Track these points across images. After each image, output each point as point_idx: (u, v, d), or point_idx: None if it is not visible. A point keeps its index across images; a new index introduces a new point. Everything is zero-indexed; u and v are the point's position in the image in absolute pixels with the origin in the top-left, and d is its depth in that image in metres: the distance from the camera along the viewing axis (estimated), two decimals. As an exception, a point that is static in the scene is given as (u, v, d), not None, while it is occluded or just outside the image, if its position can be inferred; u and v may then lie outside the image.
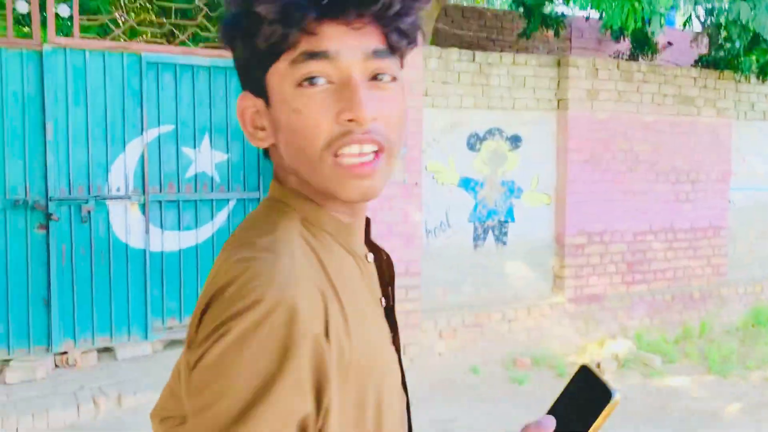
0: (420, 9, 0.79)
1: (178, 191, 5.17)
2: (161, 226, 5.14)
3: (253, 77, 0.81)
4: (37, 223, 4.73)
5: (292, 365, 0.65)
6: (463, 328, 5.57)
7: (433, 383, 5.10)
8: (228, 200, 5.34)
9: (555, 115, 6.12)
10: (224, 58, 5.24)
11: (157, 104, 5.04)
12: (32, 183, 4.69)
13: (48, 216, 4.71)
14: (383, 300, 0.90)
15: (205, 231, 5.29)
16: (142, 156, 5.01)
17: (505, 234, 6.06)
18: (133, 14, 6.27)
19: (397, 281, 4.25)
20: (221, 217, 5.33)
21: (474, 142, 5.85)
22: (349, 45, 0.76)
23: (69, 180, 4.80)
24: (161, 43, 5.58)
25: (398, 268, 4.12)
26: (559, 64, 6.07)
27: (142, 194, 5.03)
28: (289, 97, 0.77)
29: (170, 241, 5.18)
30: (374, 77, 0.78)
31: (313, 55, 0.75)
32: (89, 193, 4.86)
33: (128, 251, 5.02)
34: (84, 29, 5.66)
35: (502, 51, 9.31)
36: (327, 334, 0.69)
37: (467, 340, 5.58)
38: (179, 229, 5.20)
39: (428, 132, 5.54)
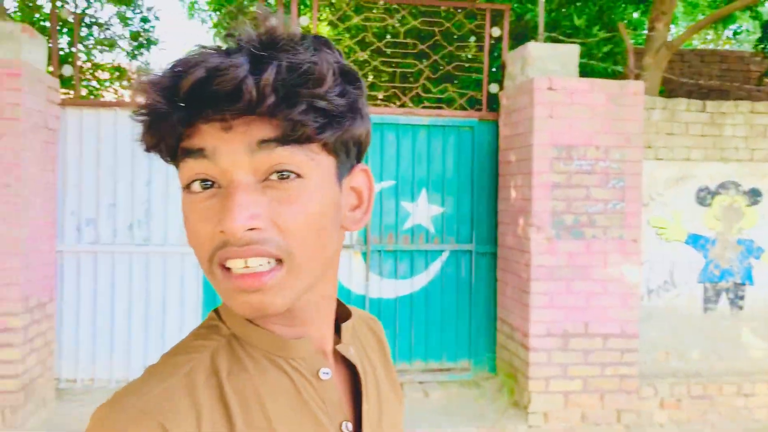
0: (316, 95, 0.66)
1: (396, 242, 5.48)
2: (380, 274, 5.47)
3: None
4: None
5: None
6: (689, 399, 5.11)
7: (651, 455, 4.74)
8: (442, 251, 5.54)
9: (804, 167, 5.48)
10: (442, 117, 5.52)
11: (381, 161, 5.43)
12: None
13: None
14: (346, 426, 0.77)
15: (420, 280, 5.52)
16: (365, 208, 5.40)
17: (742, 298, 5.49)
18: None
19: (612, 342, 4.12)
20: (435, 267, 5.54)
21: (704, 197, 5.44)
22: (226, 140, 0.66)
23: (302, 229, 5.33)
24: (386, 106, 6.02)
25: (613, 329, 3.96)
26: (809, 110, 5.45)
27: (364, 244, 5.42)
28: (183, 200, 0.71)
29: (387, 288, 5.48)
30: (273, 174, 0.67)
31: (189, 153, 0.68)
32: (318, 242, 5.34)
33: (350, 296, 5.42)
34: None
35: (749, 97, 8.57)
36: None
37: (694, 412, 5.11)
38: (396, 277, 5.49)
39: (651, 186, 5.28)
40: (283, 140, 0.66)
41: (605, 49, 6.50)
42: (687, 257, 5.41)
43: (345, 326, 0.84)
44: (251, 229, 0.66)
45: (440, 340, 5.56)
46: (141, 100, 0.68)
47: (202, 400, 0.69)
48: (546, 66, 4.99)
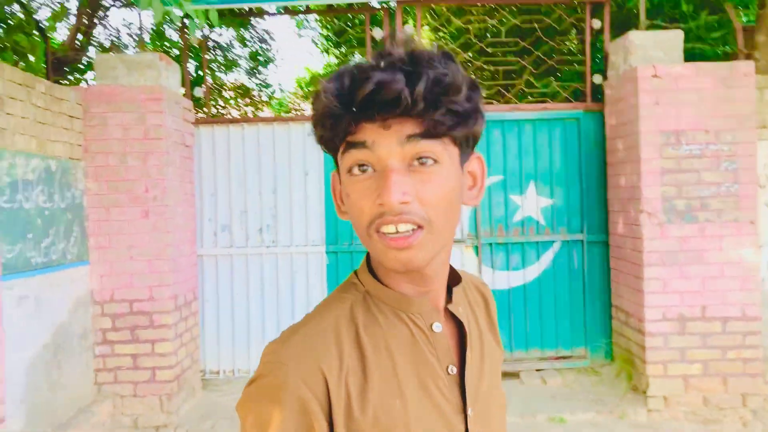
0: (453, 101, 0.85)
1: (507, 234, 5.66)
2: (492, 267, 5.67)
3: (333, 159, 0.94)
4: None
5: (278, 420, 0.85)
6: (820, 383, 4.96)
7: (780, 440, 4.65)
8: (553, 242, 5.66)
9: None
10: (548, 111, 5.65)
11: (488, 157, 5.64)
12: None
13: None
14: (451, 368, 0.96)
15: (532, 271, 5.67)
16: (475, 204, 5.63)
17: None
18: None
19: (732, 326, 4.27)
20: (547, 258, 5.67)
21: (827, 175, 5.25)
22: (383, 135, 0.86)
23: (416, 226, 5.63)
24: (490, 103, 6.21)
25: (733, 312, 4.02)
26: None
27: (475, 238, 5.64)
28: (345, 181, 0.91)
29: (500, 280, 5.68)
30: (416, 160, 0.87)
31: (353, 145, 0.87)
32: (432, 238, 5.62)
33: (464, 289, 5.64)
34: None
35: None
36: (328, 400, 0.87)
37: (826, 396, 4.96)
38: (508, 269, 5.67)
39: (767, 167, 5.18)
40: (425, 135, 0.85)
41: (715, 35, 6.36)
42: (811, 238, 5.25)
43: (456, 289, 1.03)
44: (402, 203, 0.85)
45: (555, 328, 5.68)
46: (320, 103, 0.88)
47: (344, 341, 0.91)
48: (649, 53, 5.03)
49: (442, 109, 0.84)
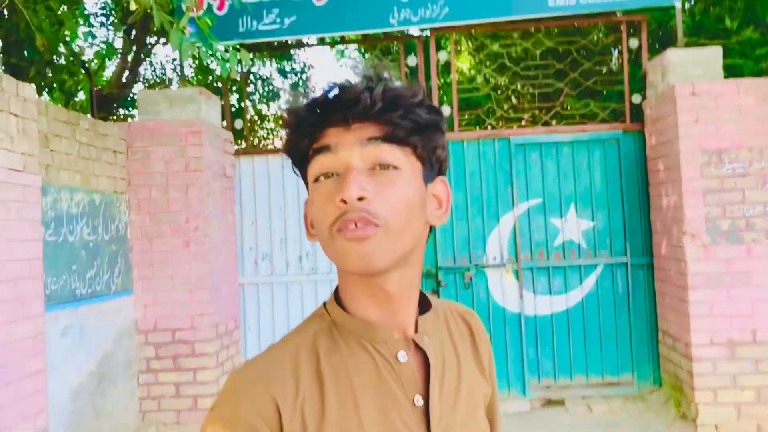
0: (411, 106, 0.90)
1: (548, 258, 5.58)
2: (533, 291, 5.59)
3: (304, 180, 0.97)
4: (430, 290, 5.60)
5: None
6: None
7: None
8: (596, 265, 5.55)
9: None
10: (585, 132, 5.58)
11: (526, 181, 5.60)
12: (426, 254, 5.60)
13: (438, 282, 5.57)
14: (417, 399, 0.94)
15: (575, 295, 5.57)
16: (514, 228, 5.58)
17: None
18: (504, 104, 7.02)
19: None
20: (590, 281, 5.56)
21: None
22: (345, 137, 0.90)
23: (454, 251, 5.61)
24: (528, 126, 6.17)
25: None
26: None
27: (515, 262, 5.58)
28: (311, 191, 0.94)
29: (542, 305, 5.58)
30: (377, 165, 0.90)
31: (318, 150, 0.91)
32: (470, 262, 5.60)
33: (505, 314, 5.58)
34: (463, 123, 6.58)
35: None
36: (280, 428, 0.87)
37: None
38: (550, 293, 5.58)
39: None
40: (385, 138, 0.89)
41: (761, 51, 6.19)
42: None
43: (422, 318, 1.00)
44: (360, 199, 0.87)
45: (600, 354, 5.54)
46: (289, 112, 0.94)
47: (302, 371, 0.91)
48: (687, 71, 4.93)
49: (399, 111, 0.89)
